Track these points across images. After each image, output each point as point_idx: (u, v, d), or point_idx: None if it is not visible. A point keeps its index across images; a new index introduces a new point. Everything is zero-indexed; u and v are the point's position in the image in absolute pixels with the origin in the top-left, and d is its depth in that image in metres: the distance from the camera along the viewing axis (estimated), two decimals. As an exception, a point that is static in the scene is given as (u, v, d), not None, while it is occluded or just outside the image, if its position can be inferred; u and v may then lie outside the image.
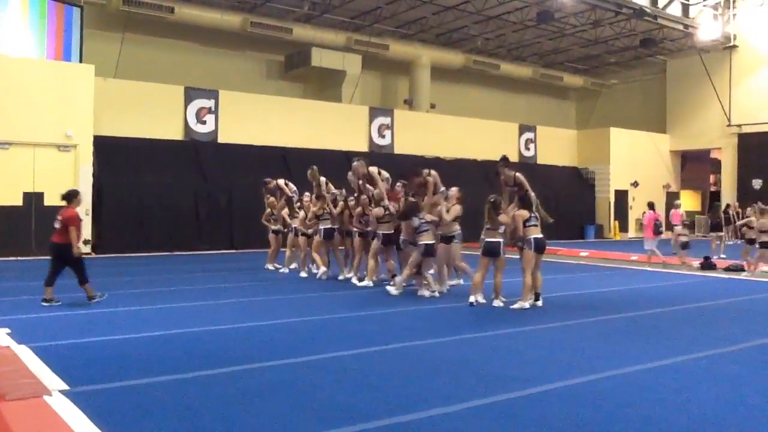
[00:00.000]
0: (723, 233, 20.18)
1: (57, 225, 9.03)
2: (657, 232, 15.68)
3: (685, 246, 15.86)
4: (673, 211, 20.66)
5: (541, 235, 9.45)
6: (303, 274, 13.09)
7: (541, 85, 31.85)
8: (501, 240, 9.44)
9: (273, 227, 14.24)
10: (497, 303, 9.46)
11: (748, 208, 21.01)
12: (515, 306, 9.24)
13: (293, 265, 13.72)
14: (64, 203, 9.18)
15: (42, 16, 18.31)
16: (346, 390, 5.26)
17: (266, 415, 4.61)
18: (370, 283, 11.46)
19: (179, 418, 4.53)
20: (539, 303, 9.49)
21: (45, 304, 8.93)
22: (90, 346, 6.74)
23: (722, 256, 17.80)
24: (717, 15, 27.90)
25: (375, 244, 11.49)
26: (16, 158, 16.56)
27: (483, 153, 24.50)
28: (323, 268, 12.59)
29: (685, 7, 26.89)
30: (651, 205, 16.67)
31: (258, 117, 21.41)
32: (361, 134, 23.72)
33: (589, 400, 5.02)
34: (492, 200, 9.57)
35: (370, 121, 24.03)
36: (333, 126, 22.81)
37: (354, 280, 11.90)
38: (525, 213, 9.44)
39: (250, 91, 22.72)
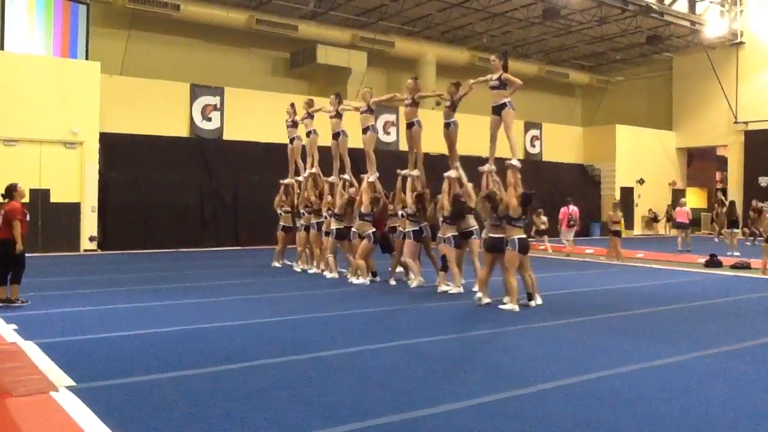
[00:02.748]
0: (738, 230, 20.19)
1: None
2: (569, 225, 17.86)
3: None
4: (678, 209, 20.70)
5: (524, 236, 9.24)
6: (297, 269, 13.53)
7: (547, 82, 31.75)
8: (504, 235, 9.31)
9: (282, 223, 14.28)
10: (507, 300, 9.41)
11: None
12: (505, 307, 8.96)
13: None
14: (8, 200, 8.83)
15: (48, 14, 18.36)
16: (352, 387, 5.26)
17: (272, 412, 4.62)
18: (366, 281, 11.50)
19: (185, 414, 4.54)
20: (538, 302, 9.32)
21: (0, 304, 8.61)
22: (96, 342, 6.76)
23: (736, 253, 17.55)
24: (724, 11, 27.75)
25: (365, 243, 11.57)
26: (22, 155, 16.61)
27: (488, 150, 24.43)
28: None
29: (692, 4, 26.76)
30: (568, 202, 18.38)
31: (263, 114, 21.36)
32: (367, 131, 23.66)
33: (595, 398, 5.01)
34: (485, 195, 9.46)
35: (376, 119, 23.96)
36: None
37: (352, 279, 11.96)
38: (515, 203, 9.08)
39: (256, 88, 22.73)
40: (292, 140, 14.32)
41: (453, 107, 10.73)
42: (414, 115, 11.37)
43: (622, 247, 16.65)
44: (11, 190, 8.94)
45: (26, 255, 9.02)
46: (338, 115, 12.86)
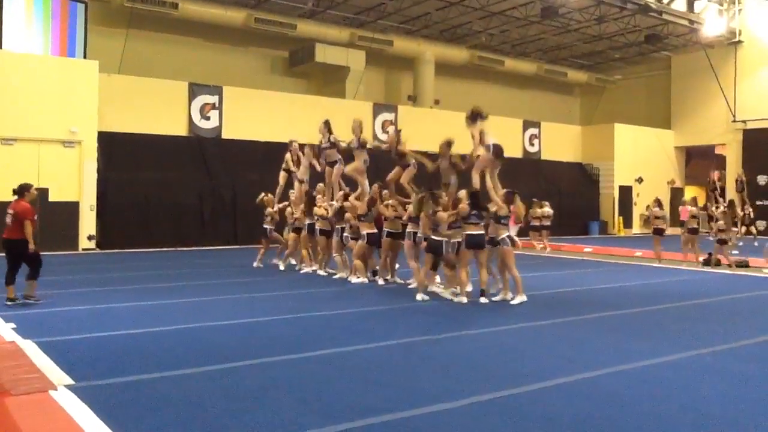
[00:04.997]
0: (737, 229, 20.19)
1: (8, 220, 8.66)
2: (517, 221, 19.25)
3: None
4: (681, 207, 20.80)
5: (478, 232, 9.40)
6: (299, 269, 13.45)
7: (546, 81, 31.73)
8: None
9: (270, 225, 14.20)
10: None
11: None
12: (445, 294, 9.65)
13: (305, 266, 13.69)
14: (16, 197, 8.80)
15: (46, 12, 18.32)
16: (350, 385, 5.27)
17: (271, 410, 4.62)
18: (366, 280, 11.55)
19: (184, 413, 4.55)
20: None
21: (9, 303, 8.64)
22: (95, 341, 6.76)
23: (734, 252, 17.45)
24: (722, 10, 27.73)
25: (360, 243, 11.61)
26: (21, 154, 16.59)
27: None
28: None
29: (690, 3, 26.73)
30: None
31: (262, 113, 21.39)
32: (365, 130, 23.62)
33: (594, 396, 5.02)
34: (428, 193, 9.83)
35: (374, 117, 24.00)
36: (337, 122, 22.58)
37: (351, 278, 11.93)
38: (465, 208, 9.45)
39: (254, 87, 22.72)
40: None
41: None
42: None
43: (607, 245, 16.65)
44: (24, 190, 8.94)
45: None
46: (333, 145, 12.75)
